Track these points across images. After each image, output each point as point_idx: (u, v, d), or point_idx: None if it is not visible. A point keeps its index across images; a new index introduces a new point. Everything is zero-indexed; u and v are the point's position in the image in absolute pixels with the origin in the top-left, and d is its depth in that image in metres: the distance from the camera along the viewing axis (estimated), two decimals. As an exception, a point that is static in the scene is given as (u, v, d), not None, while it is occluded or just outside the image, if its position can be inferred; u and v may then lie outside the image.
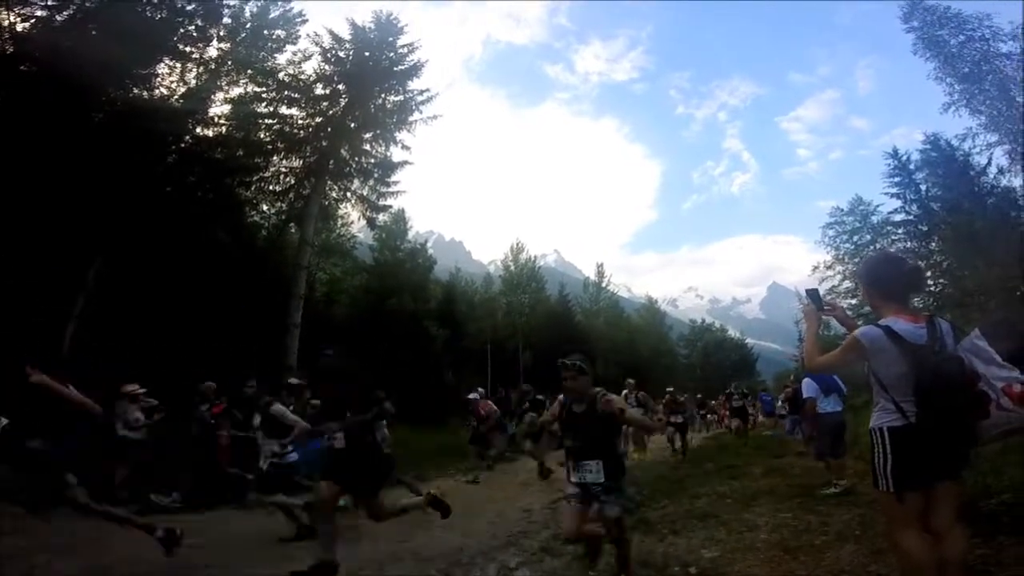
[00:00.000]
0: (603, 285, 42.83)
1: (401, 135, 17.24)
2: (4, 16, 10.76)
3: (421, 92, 17.22)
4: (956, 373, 2.20)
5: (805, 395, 6.97)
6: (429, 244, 32.88)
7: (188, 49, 13.23)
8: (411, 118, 17.09)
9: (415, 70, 17.17)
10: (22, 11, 10.95)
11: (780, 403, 15.99)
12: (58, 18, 11.24)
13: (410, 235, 29.66)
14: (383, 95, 17.06)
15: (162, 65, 13.07)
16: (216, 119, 14.85)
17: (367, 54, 16.93)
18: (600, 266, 43.69)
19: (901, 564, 2.37)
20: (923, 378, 2.18)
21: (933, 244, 22.62)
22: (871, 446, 2.37)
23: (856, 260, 26.62)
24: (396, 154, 17.53)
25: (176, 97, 13.44)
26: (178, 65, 13.44)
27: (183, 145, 13.53)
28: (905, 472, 2.24)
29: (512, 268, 34.59)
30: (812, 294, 2.72)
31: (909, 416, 2.21)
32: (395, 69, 17.13)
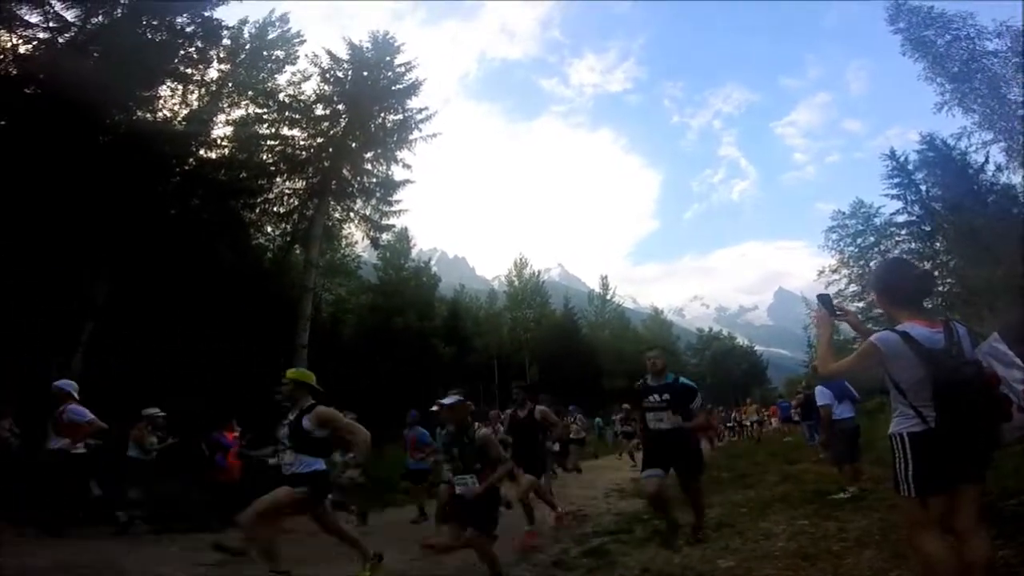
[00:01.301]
0: (608, 297, 42.79)
1: (402, 154, 17.37)
2: (7, 39, 10.93)
3: (420, 110, 17.41)
4: (975, 377, 2.19)
5: (819, 402, 6.88)
6: (433, 262, 33.12)
7: (189, 71, 13.38)
8: (411, 136, 17.24)
9: (413, 88, 17.37)
10: (24, 33, 11.09)
11: (793, 409, 15.83)
12: (60, 40, 11.38)
13: (414, 253, 29.91)
14: (383, 114, 17.22)
15: (164, 87, 13.25)
16: (219, 141, 15.05)
17: (365, 74, 17.15)
18: (604, 278, 43.69)
19: (923, 568, 2.33)
20: (942, 382, 2.17)
21: (937, 244, 22.56)
22: (892, 452, 2.35)
23: (861, 263, 26.56)
24: (397, 173, 17.65)
25: (179, 119, 13.61)
26: (180, 87, 13.63)
27: (187, 167, 13.63)
28: (927, 477, 2.22)
29: (516, 283, 34.66)
30: (824, 299, 2.69)
31: (929, 421, 2.20)
32: (393, 88, 17.32)
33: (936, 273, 20.41)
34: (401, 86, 17.41)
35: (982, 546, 2.24)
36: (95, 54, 11.35)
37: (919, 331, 2.27)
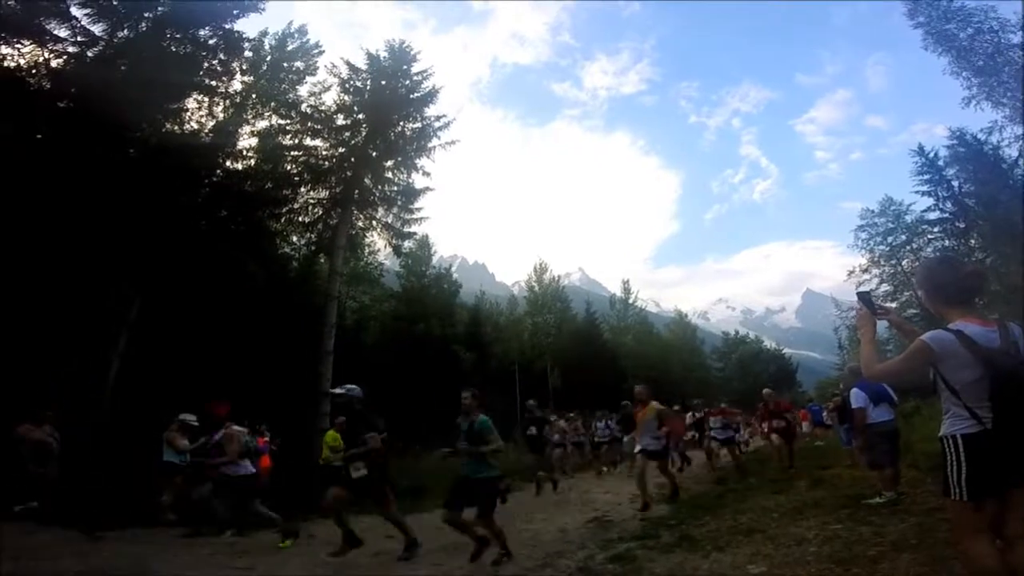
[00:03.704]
0: (630, 301, 42.37)
1: (421, 161, 17.48)
2: (39, 53, 11.27)
3: (438, 118, 17.49)
4: None
5: (854, 405, 6.65)
6: (453, 268, 33.30)
7: (213, 83, 13.64)
8: (430, 144, 17.31)
9: (431, 96, 17.48)
10: (54, 47, 11.39)
11: (827, 412, 15.55)
12: (89, 54, 11.68)
13: (434, 260, 30.15)
14: (402, 123, 17.36)
15: (190, 100, 13.49)
16: (244, 152, 15.31)
17: (383, 83, 17.34)
18: (626, 282, 43.22)
19: (969, 573, 2.25)
20: (1001, 382, 2.10)
21: (972, 241, 21.89)
22: (943, 454, 2.27)
23: (892, 262, 25.94)
24: (417, 181, 17.75)
25: (205, 131, 13.92)
26: (205, 100, 13.90)
27: (214, 179, 13.94)
28: (981, 480, 2.15)
29: (536, 289, 34.57)
30: (864, 297, 2.60)
31: (985, 422, 2.13)
32: (411, 96, 17.46)
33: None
34: (419, 94, 17.56)
35: None
36: (123, 68, 11.66)
37: (973, 329, 2.20)
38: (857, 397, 6.61)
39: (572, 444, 14.98)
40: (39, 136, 10.73)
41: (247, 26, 27.69)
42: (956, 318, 2.28)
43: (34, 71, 11.12)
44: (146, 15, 12.14)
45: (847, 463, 9.75)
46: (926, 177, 23.64)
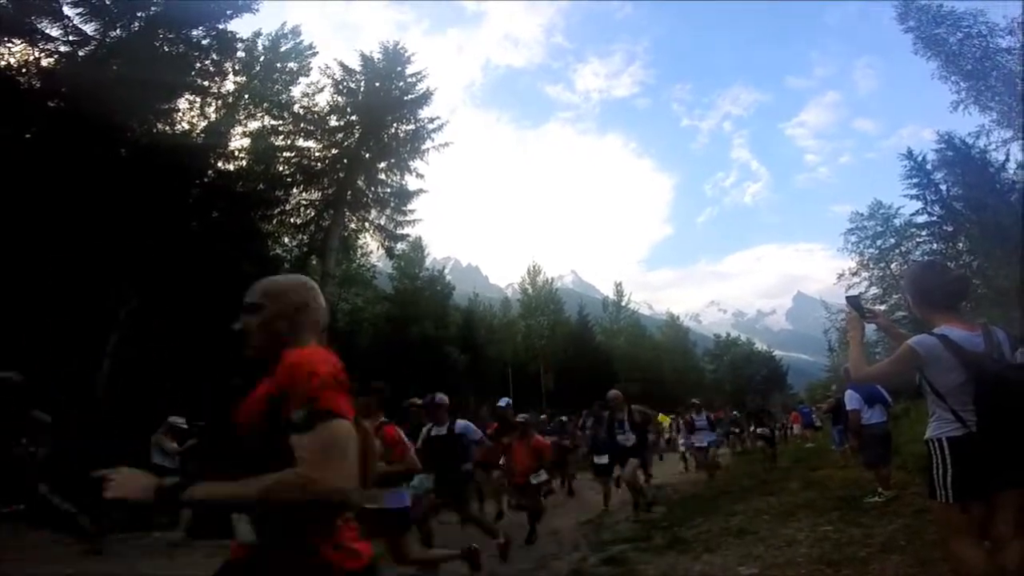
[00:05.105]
0: (623, 304, 42.55)
1: (414, 163, 17.54)
2: (30, 52, 11.19)
3: (432, 120, 17.59)
4: (1019, 381, 2.14)
5: (849, 407, 6.76)
6: (447, 271, 33.29)
7: (206, 83, 13.66)
8: (423, 146, 17.41)
9: (425, 98, 17.57)
10: (46, 47, 11.37)
11: (823, 413, 15.66)
12: (80, 54, 11.66)
13: (428, 262, 30.09)
14: (395, 124, 17.41)
15: (182, 100, 13.50)
16: (236, 153, 15.33)
17: (377, 84, 17.38)
18: (619, 285, 43.50)
19: (956, 575, 2.27)
20: (984, 386, 2.13)
21: (960, 244, 22.12)
22: (929, 457, 2.30)
23: (881, 265, 26.17)
24: (410, 182, 17.83)
25: (197, 132, 13.89)
26: (197, 100, 13.89)
27: (206, 179, 13.89)
28: (966, 482, 2.17)
29: (530, 291, 34.62)
30: (853, 301, 2.64)
31: (969, 425, 2.16)
32: (405, 98, 17.52)
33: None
34: (412, 96, 17.62)
35: (1020, 553, 2.18)
36: (114, 67, 11.60)
37: (958, 334, 2.23)
38: (852, 399, 6.70)
39: None
40: (29, 135, 10.63)
41: (240, 26, 27.73)
42: (941, 322, 2.31)
43: (25, 70, 11.03)
44: (138, 15, 12.10)
45: (840, 464, 9.80)
46: (915, 181, 23.89)
